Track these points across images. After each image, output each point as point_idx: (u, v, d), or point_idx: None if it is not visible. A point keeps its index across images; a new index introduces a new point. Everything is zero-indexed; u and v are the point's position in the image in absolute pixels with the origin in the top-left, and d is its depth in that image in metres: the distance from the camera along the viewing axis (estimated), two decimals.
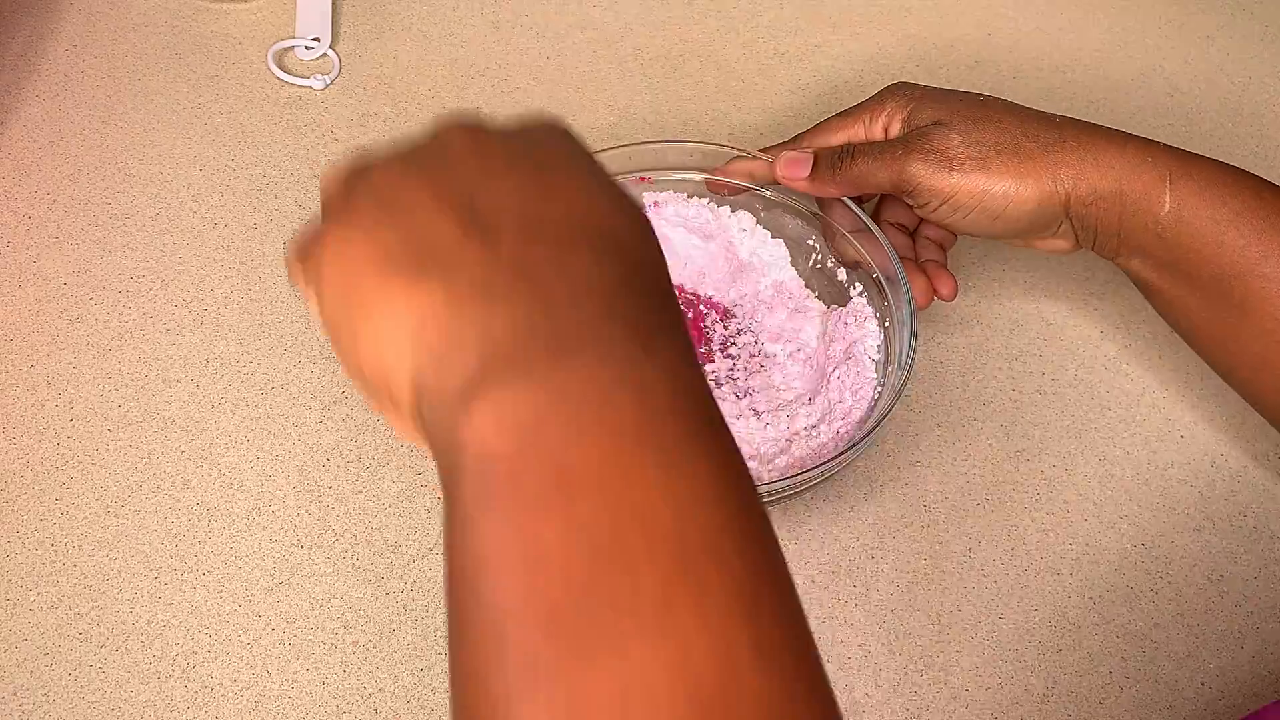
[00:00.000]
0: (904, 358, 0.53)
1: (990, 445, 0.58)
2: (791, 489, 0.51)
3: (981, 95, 0.55)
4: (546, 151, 0.33)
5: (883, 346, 0.56)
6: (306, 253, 0.33)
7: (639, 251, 0.32)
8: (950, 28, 0.76)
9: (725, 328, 0.60)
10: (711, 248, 0.61)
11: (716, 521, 0.27)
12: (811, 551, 0.54)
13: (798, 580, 0.53)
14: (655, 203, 0.61)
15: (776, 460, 0.54)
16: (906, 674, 0.51)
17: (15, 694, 0.49)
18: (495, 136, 0.33)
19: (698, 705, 0.24)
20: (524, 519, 0.26)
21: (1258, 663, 0.52)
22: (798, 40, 0.75)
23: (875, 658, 0.51)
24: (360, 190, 0.32)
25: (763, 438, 0.55)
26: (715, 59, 0.74)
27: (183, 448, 0.56)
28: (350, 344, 0.31)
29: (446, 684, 0.50)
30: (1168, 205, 0.50)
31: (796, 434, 0.55)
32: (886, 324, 0.56)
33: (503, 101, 0.70)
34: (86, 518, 0.54)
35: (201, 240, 0.63)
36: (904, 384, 0.52)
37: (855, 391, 0.55)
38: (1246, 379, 0.52)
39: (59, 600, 0.51)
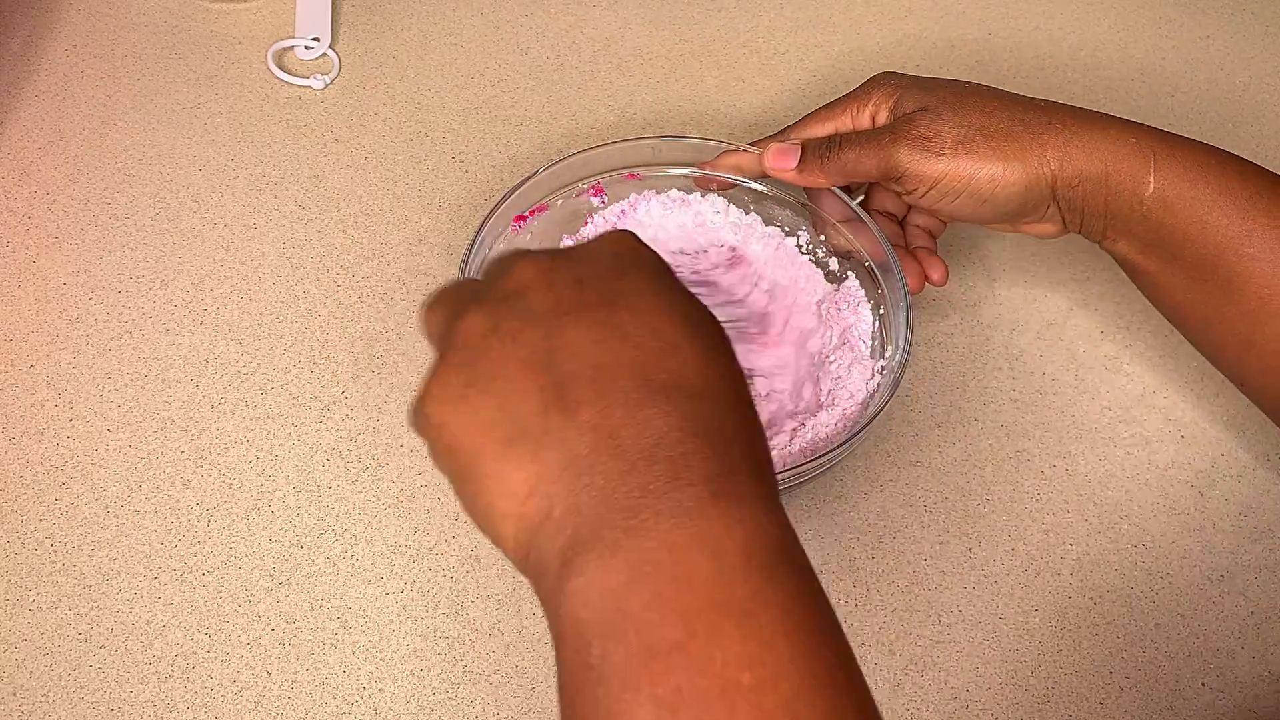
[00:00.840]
0: (901, 341, 0.53)
1: (990, 445, 0.58)
2: (796, 479, 0.51)
3: (966, 82, 0.55)
4: (617, 278, 0.35)
5: (877, 333, 0.57)
6: (418, 405, 0.36)
7: (711, 388, 0.33)
8: (950, 28, 0.76)
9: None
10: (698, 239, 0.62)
11: (797, 687, 0.28)
12: (811, 551, 0.53)
13: None
14: (632, 205, 0.61)
15: (777, 447, 0.54)
16: (906, 674, 0.51)
17: (15, 694, 0.49)
18: (565, 269, 0.35)
19: None
20: (617, 695, 0.29)
21: (1258, 663, 0.52)
22: (798, 40, 0.75)
23: (875, 658, 0.51)
24: (453, 347, 0.34)
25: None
26: (715, 59, 0.74)
27: (183, 448, 0.56)
28: (464, 498, 0.34)
29: (446, 684, 0.50)
30: (1152, 186, 0.50)
31: (795, 417, 0.55)
32: (881, 311, 0.57)
33: (502, 102, 0.70)
34: (86, 518, 0.54)
35: (201, 240, 0.63)
36: (903, 368, 0.52)
37: (852, 376, 0.55)
38: (1232, 360, 0.53)
39: (59, 600, 0.51)
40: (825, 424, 0.54)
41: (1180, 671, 0.51)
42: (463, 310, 0.35)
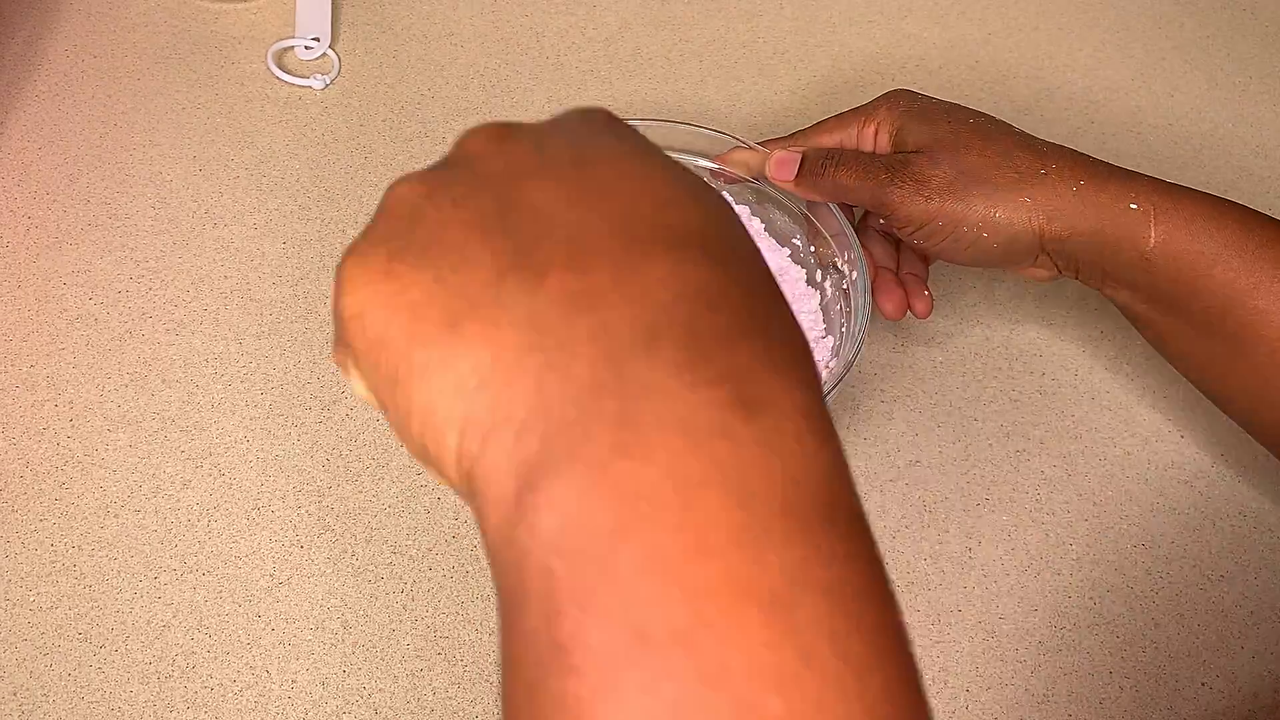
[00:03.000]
0: (847, 351, 0.54)
1: (990, 445, 0.58)
2: None
3: (972, 117, 0.55)
4: (587, 141, 0.27)
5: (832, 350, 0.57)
6: (334, 297, 0.27)
7: (729, 248, 0.25)
8: (950, 28, 0.76)
9: None
10: None
11: (841, 697, 0.20)
12: None
13: None
14: None
15: None
16: None
17: (15, 694, 0.49)
18: (524, 134, 0.28)
19: None
20: (589, 707, 0.21)
21: (1258, 663, 0.52)
22: (798, 40, 0.75)
23: None
24: (375, 219, 0.27)
25: None
26: (715, 59, 0.74)
27: (183, 448, 0.56)
28: (394, 414, 0.26)
29: (446, 684, 0.50)
30: (1153, 240, 0.50)
31: None
32: (843, 326, 0.57)
33: (502, 102, 0.70)
34: (86, 518, 0.54)
35: (201, 240, 0.63)
36: (839, 381, 0.53)
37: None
38: (1243, 410, 0.52)
39: (59, 600, 0.51)
40: None
41: (1180, 671, 0.51)
42: (394, 184, 0.27)
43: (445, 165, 0.28)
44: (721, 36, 0.75)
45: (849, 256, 0.57)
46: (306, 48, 0.72)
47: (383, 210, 0.27)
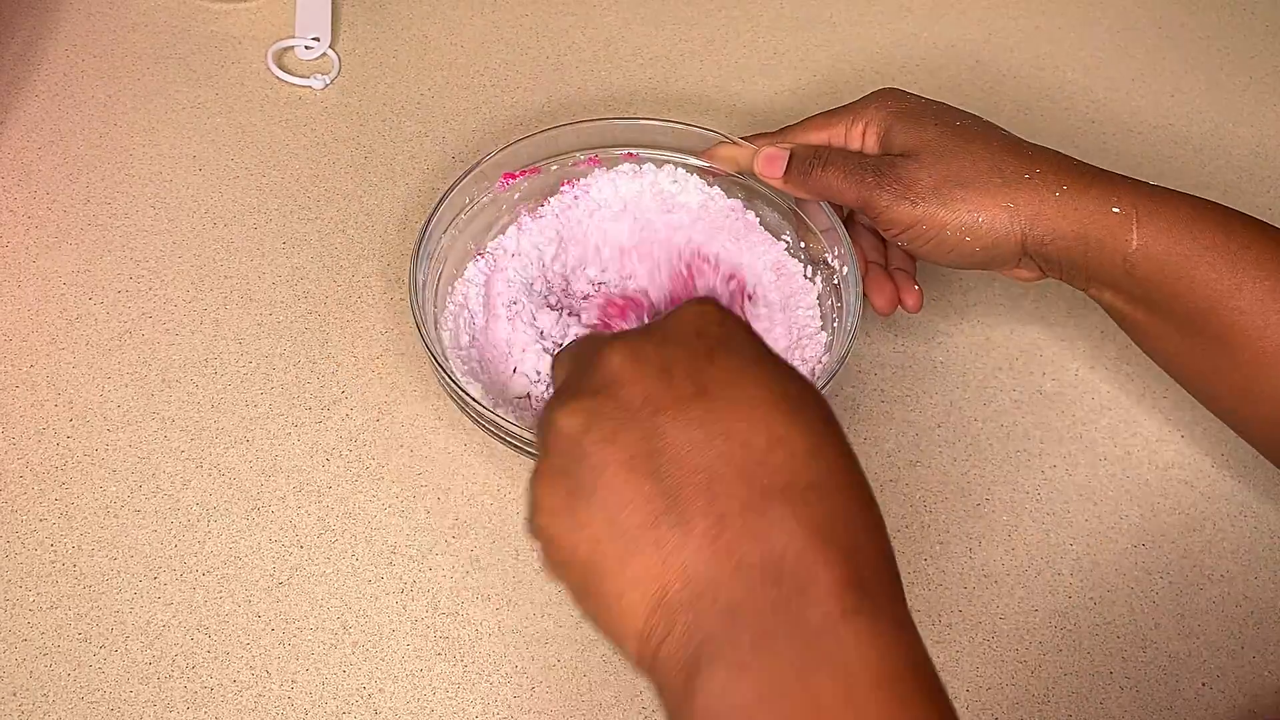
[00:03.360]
0: (838, 348, 0.54)
1: (990, 445, 0.58)
2: None
3: (959, 119, 0.55)
4: (706, 363, 0.34)
5: (826, 342, 0.58)
6: (529, 515, 0.35)
7: (827, 483, 0.32)
8: (950, 28, 0.76)
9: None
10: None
11: None
12: None
13: None
14: (584, 189, 0.62)
15: None
16: None
17: (15, 694, 0.49)
18: (651, 355, 0.34)
19: None
20: None
21: (1258, 663, 0.52)
22: (798, 40, 0.75)
23: None
24: (549, 453, 0.34)
25: None
26: (715, 59, 0.74)
27: (183, 448, 0.56)
28: (582, 610, 0.34)
29: (446, 684, 0.50)
30: (1135, 243, 0.50)
31: None
32: (835, 323, 0.57)
33: (502, 102, 0.70)
34: (86, 518, 0.54)
35: (201, 240, 0.63)
36: (831, 377, 0.53)
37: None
38: (1229, 409, 0.52)
39: (59, 600, 0.51)
40: None
41: (1180, 671, 0.51)
42: (554, 409, 0.34)
43: (593, 392, 0.34)
44: (721, 36, 0.75)
45: (839, 252, 0.57)
46: (306, 47, 0.72)
47: (549, 446, 0.34)
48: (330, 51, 0.72)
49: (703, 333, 0.35)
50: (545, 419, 0.35)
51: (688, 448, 0.32)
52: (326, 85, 0.71)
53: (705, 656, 0.30)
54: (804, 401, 0.33)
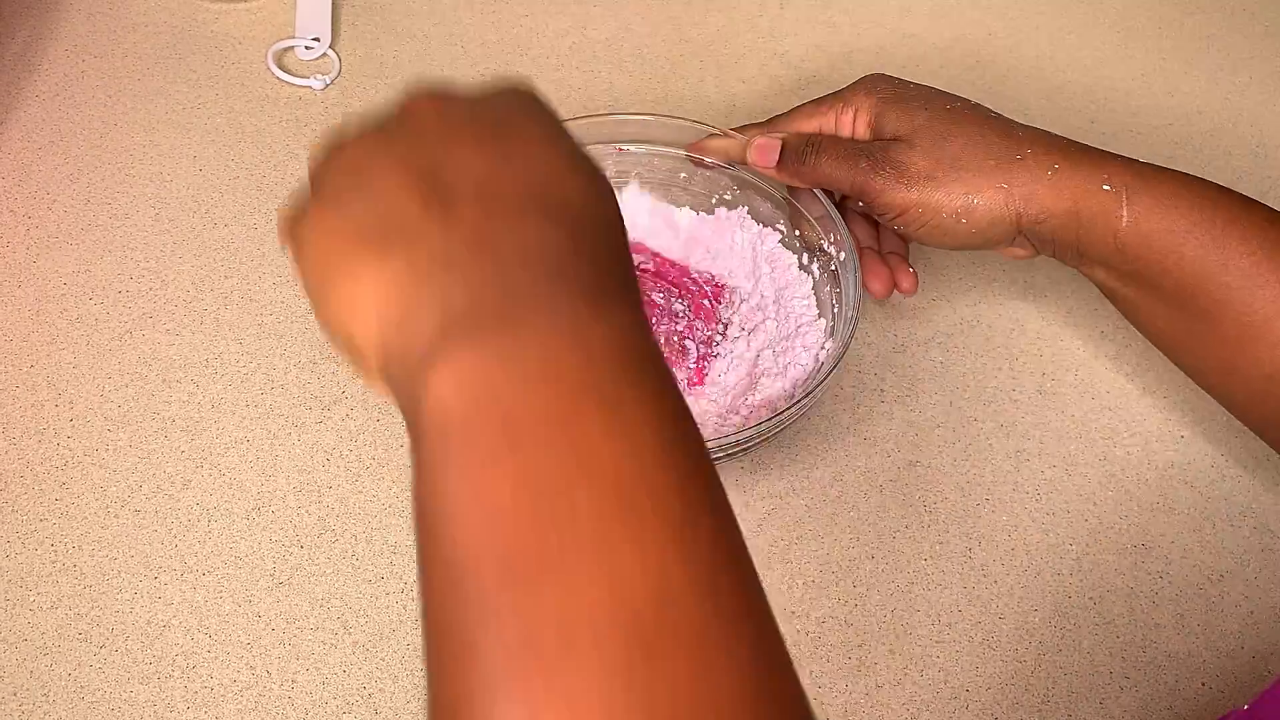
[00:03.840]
0: (847, 322, 0.55)
1: (990, 445, 0.58)
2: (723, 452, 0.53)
3: (949, 102, 0.55)
4: (509, 116, 0.35)
5: (826, 330, 0.58)
6: (292, 222, 0.35)
7: (592, 214, 0.33)
8: (950, 28, 0.76)
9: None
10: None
11: (654, 461, 0.28)
12: (811, 552, 0.54)
13: (797, 582, 0.53)
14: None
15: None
16: (906, 674, 0.51)
17: (15, 694, 0.49)
18: (460, 104, 0.35)
19: (635, 630, 0.26)
20: (478, 474, 0.28)
21: (1258, 663, 0.52)
22: (798, 40, 0.75)
23: (875, 658, 0.51)
24: (335, 166, 0.34)
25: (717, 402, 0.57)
26: (715, 59, 0.74)
27: (183, 448, 0.56)
28: (325, 309, 0.33)
29: None
30: (1125, 220, 0.51)
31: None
32: (834, 309, 0.58)
33: None
34: (86, 518, 0.54)
35: (201, 240, 0.63)
36: (838, 361, 0.53)
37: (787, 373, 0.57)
38: (1216, 383, 0.53)
39: (59, 600, 0.51)
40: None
41: (1180, 671, 0.51)
42: (347, 141, 0.35)
43: (392, 121, 0.34)
44: (721, 36, 0.75)
45: (835, 238, 0.57)
46: (307, 48, 0.72)
47: (344, 154, 0.34)
48: (330, 52, 0.72)
49: (517, 94, 0.37)
50: (327, 149, 0.35)
51: (469, 160, 0.33)
52: (326, 86, 0.71)
53: (449, 331, 0.30)
54: (590, 165, 0.35)
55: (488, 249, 0.31)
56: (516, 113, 0.36)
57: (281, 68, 0.71)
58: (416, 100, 0.35)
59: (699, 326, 0.59)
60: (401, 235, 0.32)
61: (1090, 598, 0.53)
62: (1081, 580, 0.54)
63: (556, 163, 0.34)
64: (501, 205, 0.32)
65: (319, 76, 0.71)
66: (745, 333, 0.59)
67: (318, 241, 0.33)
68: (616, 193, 0.61)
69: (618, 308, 0.31)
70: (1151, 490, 0.57)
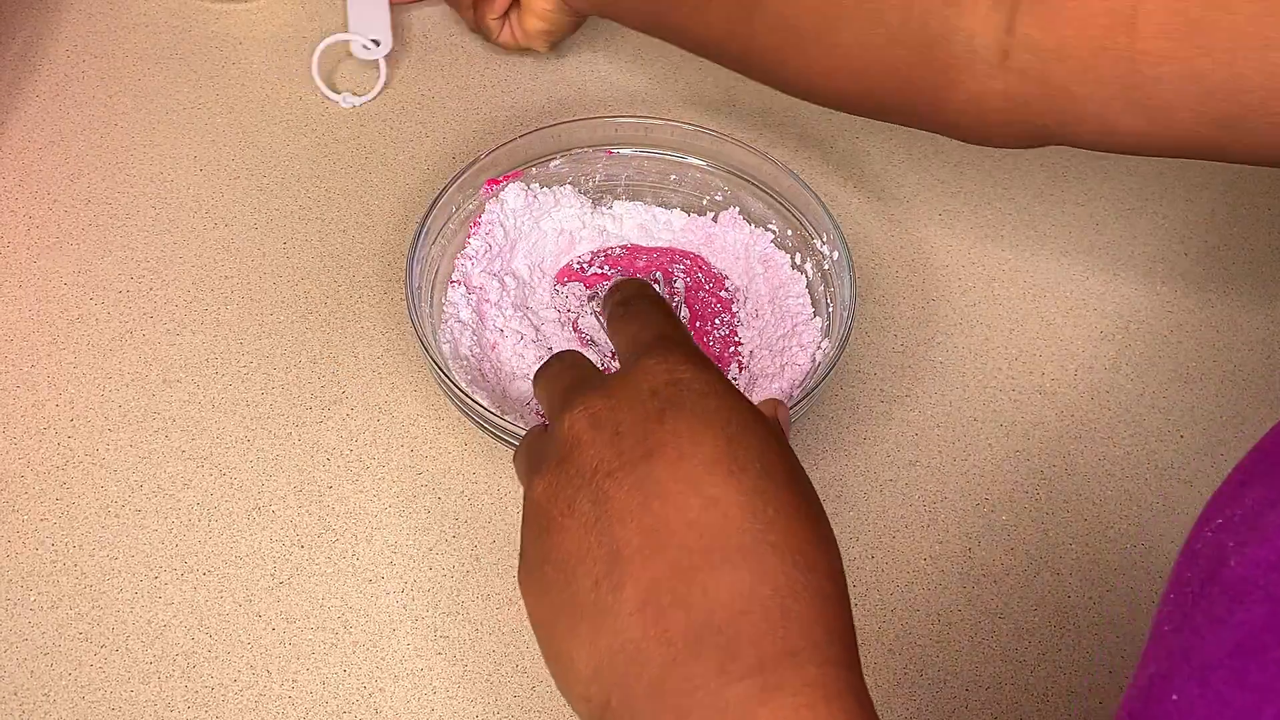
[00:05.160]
0: (843, 320, 0.55)
1: (990, 445, 0.58)
2: None
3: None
4: (655, 424, 0.34)
5: (821, 329, 0.58)
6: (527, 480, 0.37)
7: (758, 547, 0.32)
8: None
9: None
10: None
11: None
12: None
13: None
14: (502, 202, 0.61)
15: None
16: (906, 674, 0.51)
17: (15, 694, 0.49)
18: (606, 417, 0.35)
19: None
20: None
21: None
22: None
23: (875, 658, 0.51)
24: (526, 521, 0.36)
25: None
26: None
27: (183, 448, 0.56)
28: (550, 669, 0.35)
29: (446, 684, 0.50)
30: None
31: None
32: (829, 308, 0.58)
33: (502, 102, 0.70)
34: (86, 518, 0.54)
35: (201, 240, 0.63)
36: (841, 349, 0.53)
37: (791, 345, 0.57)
38: (767, 70, 0.56)
39: (59, 600, 0.51)
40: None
41: None
42: (530, 477, 0.36)
43: (558, 461, 0.35)
44: None
45: (827, 236, 0.57)
46: (365, 46, 0.69)
47: (527, 516, 0.36)
48: (384, 62, 0.69)
49: (656, 391, 0.35)
50: (525, 490, 0.37)
51: (629, 512, 0.32)
52: (355, 106, 0.69)
53: None
54: (749, 459, 0.33)
55: (659, 633, 0.31)
56: (662, 414, 0.34)
57: (325, 80, 0.69)
58: (573, 425, 0.36)
59: (719, 335, 0.60)
60: (585, 619, 0.32)
61: (1090, 598, 0.53)
62: (1081, 580, 0.54)
63: (709, 484, 0.33)
64: (664, 568, 0.32)
65: (349, 95, 0.69)
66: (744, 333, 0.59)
67: (531, 610, 0.35)
68: (611, 205, 0.62)
69: (804, 687, 0.30)
70: (1151, 490, 0.57)
